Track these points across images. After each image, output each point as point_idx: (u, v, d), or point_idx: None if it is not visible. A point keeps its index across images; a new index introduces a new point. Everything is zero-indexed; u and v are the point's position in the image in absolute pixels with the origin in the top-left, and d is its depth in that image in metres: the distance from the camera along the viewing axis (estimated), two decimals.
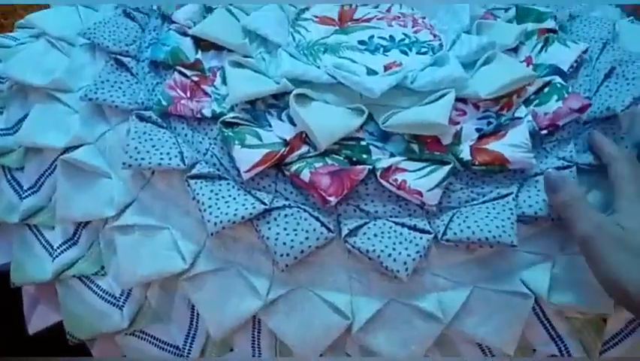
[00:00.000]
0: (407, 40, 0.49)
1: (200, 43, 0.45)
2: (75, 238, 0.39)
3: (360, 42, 0.48)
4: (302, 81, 0.42)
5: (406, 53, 0.47)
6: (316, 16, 0.50)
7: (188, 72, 0.42)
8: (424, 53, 0.47)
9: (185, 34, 0.46)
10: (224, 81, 0.43)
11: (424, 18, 0.52)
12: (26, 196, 0.39)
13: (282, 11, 0.49)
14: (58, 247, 0.38)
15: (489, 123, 0.41)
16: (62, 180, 0.38)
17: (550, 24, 0.50)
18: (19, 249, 0.39)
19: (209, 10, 0.49)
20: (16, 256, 0.39)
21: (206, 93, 0.42)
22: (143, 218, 0.37)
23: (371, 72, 0.45)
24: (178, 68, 0.42)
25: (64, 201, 0.38)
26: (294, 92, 0.40)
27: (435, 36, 0.50)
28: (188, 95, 0.41)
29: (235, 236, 0.36)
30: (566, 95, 0.41)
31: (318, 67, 0.44)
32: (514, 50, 0.48)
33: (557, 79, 0.43)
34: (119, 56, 0.43)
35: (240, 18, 0.47)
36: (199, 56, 0.44)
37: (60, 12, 0.47)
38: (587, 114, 0.41)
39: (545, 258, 0.37)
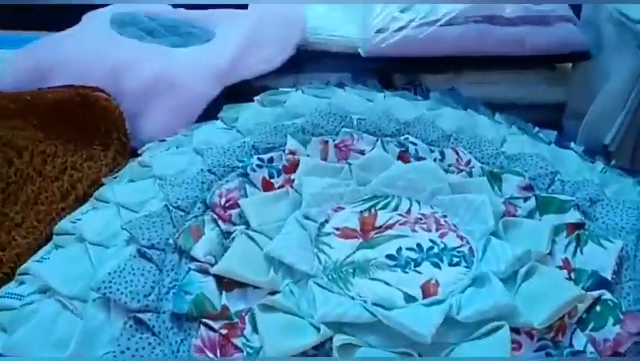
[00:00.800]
0: (436, 249, 0.47)
1: (224, 281, 0.42)
2: None
3: (389, 257, 0.46)
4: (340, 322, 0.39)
5: (438, 266, 0.45)
6: (337, 229, 0.48)
7: (215, 325, 0.39)
8: (457, 264, 0.45)
9: (206, 271, 0.43)
10: (254, 328, 0.39)
11: (445, 217, 0.51)
12: None
13: (302, 229, 0.47)
14: None
15: (547, 354, 0.39)
16: None
17: (575, 216, 0.49)
18: None
19: (227, 235, 0.47)
20: None
21: (236, 347, 0.38)
22: None
23: (409, 298, 0.42)
24: (204, 321, 0.39)
25: None
26: (336, 342, 0.37)
27: (462, 238, 0.48)
28: (219, 354, 0.37)
29: None
30: (621, 317, 0.39)
31: (353, 297, 0.41)
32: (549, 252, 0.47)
33: (606, 294, 0.41)
34: (137, 314, 0.39)
35: (261, 244, 0.45)
36: (224, 300, 0.41)
37: (67, 257, 0.44)
38: None
39: None
